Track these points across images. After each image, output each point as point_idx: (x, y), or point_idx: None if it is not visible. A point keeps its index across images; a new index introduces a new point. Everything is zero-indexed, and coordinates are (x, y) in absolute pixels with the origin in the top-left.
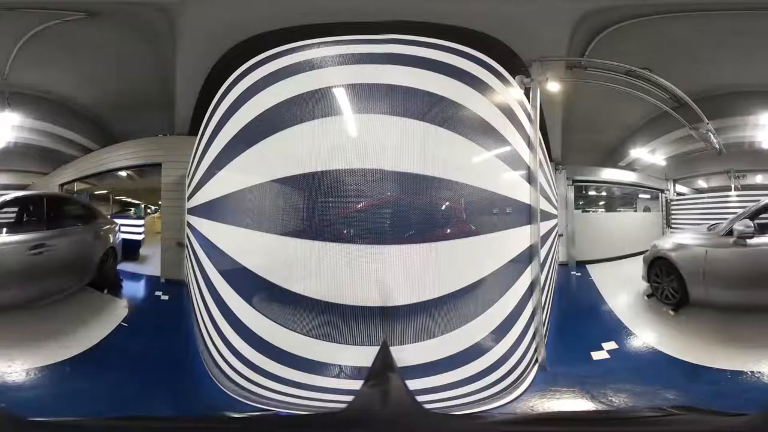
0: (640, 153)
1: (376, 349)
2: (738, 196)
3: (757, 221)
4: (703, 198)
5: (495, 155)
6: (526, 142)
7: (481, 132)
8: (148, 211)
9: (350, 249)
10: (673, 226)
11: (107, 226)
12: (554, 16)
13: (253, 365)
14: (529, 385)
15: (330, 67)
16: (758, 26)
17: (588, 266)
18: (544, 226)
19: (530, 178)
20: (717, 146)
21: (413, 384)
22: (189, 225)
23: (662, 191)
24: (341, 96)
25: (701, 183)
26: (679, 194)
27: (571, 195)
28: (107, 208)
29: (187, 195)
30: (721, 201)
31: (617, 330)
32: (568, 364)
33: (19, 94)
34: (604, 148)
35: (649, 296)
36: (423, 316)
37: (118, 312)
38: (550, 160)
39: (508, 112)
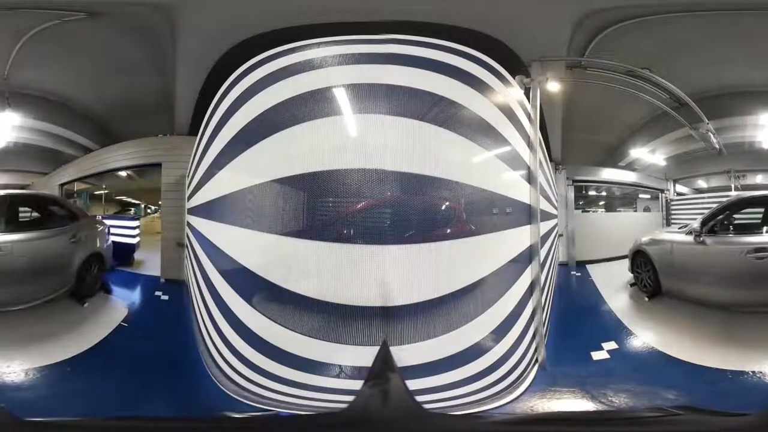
0: (640, 153)
1: (376, 349)
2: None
3: (736, 220)
4: (703, 198)
5: (495, 155)
6: (526, 142)
7: (481, 132)
8: (148, 211)
9: (350, 249)
10: (673, 226)
11: (92, 229)
12: (554, 16)
13: (253, 365)
14: (529, 386)
15: (330, 67)
16: (759, 26)
17: (588, 266)
18: (544, 226)
19: (530, 178)
20: (717, 146)
21: (413, 384)
22: (189, 225)
23: (662, 191)
24: (341, 96)
25: (701, 183)
26: (679, 194)
27: (571, 195)
28: (102, 208)
29: (187, 195)
30: (721, 201)
31: (617, 330)
32: (568, 364)
33: (19, 94)
34: (604, 148)
35: (632, 285)
36: (423, 316)
37: (88, 335)
38: (550, 160)
39: (508, 112)
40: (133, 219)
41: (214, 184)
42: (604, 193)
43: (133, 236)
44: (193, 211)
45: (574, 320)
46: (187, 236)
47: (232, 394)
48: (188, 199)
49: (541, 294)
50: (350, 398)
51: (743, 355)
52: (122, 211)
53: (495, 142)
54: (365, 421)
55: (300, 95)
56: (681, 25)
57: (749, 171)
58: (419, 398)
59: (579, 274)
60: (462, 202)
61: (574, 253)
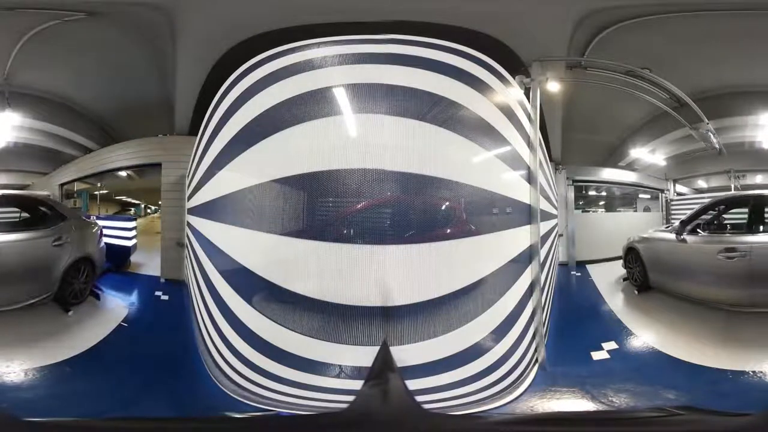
0: (640, 153)
1: (376, 349)
2: None
3: (723, 219)
4: (703, 198)
5: (495, 155)
6: (526, 142)
7: (481, 132)
8: (148, 211)
9: (350, 249)
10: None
11: (82, 231)
12: (554, 16)
13: (253, 365)
14: (529, 385)
15: (330, 67)
16: (759, 26)
17: (588, 266)
18: (544, 226)
19: (530, 178)
20: (717, 146)
21: (413, 384)
22: (189, 225)
23: (662, 191)
24: (341, 96)
25: (701, 183)
26: (679, 194)
27: (571, 195)
28: (100, 208)
29: (187, 195)
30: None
31: (617, 330)
32: (568, 364)
33: (19, 94)
34: (604, 148)
35: (624, 279)
36: (423, 316)
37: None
38: (550, 160)
39: (508, 112)
40: (129, 220)
41: (214, 184)
42: (604, 193)
43: (130, 238)
44: (193, 211)
45: (574, 320)
46: (187, 236)
47: (232, 394)
48: (188, 199)
49: (541, 294)
50: (350, 398)
51: (733, 354)
52: (122, 211)
53: (495, 142)
54: (365, 422)
55: (300, 95)
56: (681, 25)
57: (749, 171)
58: (419, 398)
59: (579, 274)
60: (462, 202)
61: (574, 253)
